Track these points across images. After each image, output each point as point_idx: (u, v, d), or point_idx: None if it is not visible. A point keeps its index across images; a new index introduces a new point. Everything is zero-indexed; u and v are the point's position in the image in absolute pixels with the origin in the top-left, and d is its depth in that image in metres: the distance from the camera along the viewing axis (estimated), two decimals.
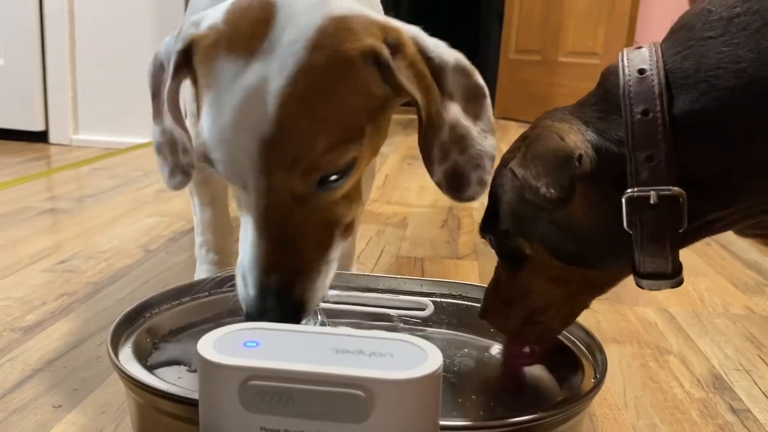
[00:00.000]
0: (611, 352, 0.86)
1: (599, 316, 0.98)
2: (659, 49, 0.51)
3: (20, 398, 0.70)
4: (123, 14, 2.22)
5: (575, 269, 0.54)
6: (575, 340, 0.63)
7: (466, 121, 0.59)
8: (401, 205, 1.67)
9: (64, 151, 2.21)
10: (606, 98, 0.52)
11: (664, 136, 0.48)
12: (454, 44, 0.60)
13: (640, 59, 0.51)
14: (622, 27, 2.89)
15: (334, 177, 0.54)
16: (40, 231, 1.31)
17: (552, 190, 0.48)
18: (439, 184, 0.59)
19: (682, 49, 0.49)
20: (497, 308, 0.61)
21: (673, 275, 0.51)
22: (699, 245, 1.36)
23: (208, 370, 0.41)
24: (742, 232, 0.53)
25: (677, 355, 0.87)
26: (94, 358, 0.79)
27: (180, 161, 0.63)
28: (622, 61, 0.52)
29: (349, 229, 0.59)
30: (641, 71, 0.50)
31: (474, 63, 0.60)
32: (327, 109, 0.52)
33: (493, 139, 0.60)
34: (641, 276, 0.52)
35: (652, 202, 0.48)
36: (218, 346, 0.42)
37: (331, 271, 0.57)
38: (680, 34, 0.51)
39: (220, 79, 0.52)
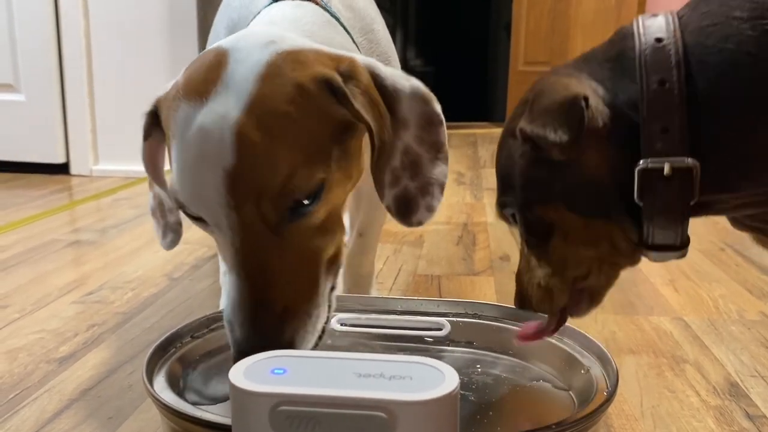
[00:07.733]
0: (627, 363, 0.88)
1: (615, 327, 0.99)
2: (677, 19, 0.50)
3: (59, 428, 0.73)
4: (139, 49, 2.28)
5: (600, 227, 0.53)
6: (588, 354, 0.66)
7: (419, 148, 0.59)
8: None
9: (85, 182, 2.26)
10: (619, 60, 0.51)
11: (680, 107, 0.48)
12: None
13: (656, 27, 0.50)
14: None
15: (306, 202, 0.53)
16: (67, 263, 1.35)
17: (561, 134, 0.48)
18: (388, 208, 0.60)
19: (706, 24, 0.49)
20: (535, 291, 0.59)
21: (681, 247, 0.51)
22: (713, 251, 1.38)
23: (240, 397, 0.43)
24: (738, 223, 0.52)
25: (693, 363, 0.88)
26: (127, 386, 0.83)
27: (169, 221, 0.68)
28: (638, 27, 0.51)
29: (333, 266, 0.58)
30: (658, 39, 0.49)
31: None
32: (285, 134, 0.52)
33: (444, 167, 0.60)
34: (649, 248, 0.52)
35: (665, 173, 0.48)
36: (248, 374, 0.44)
37: (322, 314, 0.56)
38: (709, 7, 0.49)
39: (180, 125, 0.54)
